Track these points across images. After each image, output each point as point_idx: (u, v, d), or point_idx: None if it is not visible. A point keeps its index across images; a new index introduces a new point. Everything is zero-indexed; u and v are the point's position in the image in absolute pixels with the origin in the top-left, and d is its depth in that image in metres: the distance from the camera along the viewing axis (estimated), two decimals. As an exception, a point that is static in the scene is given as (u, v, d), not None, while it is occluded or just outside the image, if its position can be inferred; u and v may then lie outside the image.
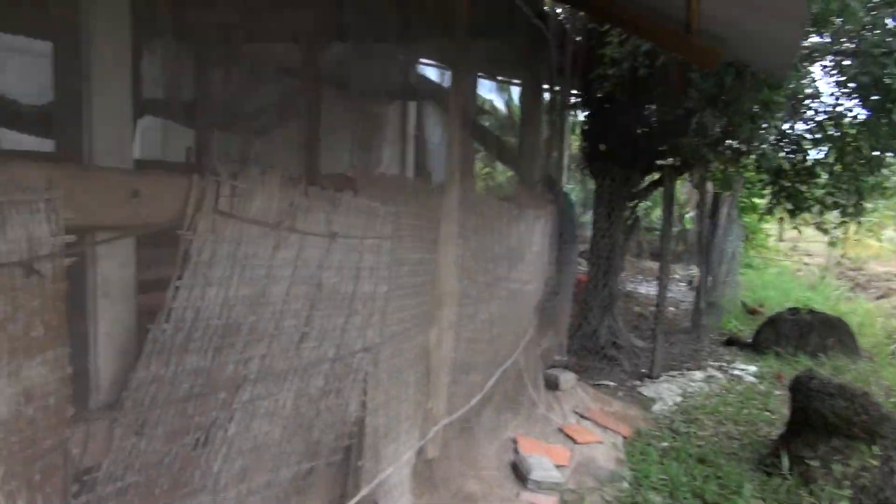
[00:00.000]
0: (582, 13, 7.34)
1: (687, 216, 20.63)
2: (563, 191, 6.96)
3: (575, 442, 5.07)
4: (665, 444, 5.55)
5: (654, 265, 18.31)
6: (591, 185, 11.30)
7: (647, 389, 7.14)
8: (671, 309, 13.26)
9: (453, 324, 4.22)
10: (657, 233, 19.00)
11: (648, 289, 15.43)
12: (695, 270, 18.32)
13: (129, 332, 2.10)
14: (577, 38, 7.80)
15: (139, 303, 2.18)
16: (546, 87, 5.72)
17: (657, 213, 19.07)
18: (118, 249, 2.04)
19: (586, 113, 8.49)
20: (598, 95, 7.73)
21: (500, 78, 5.83)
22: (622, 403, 6.47)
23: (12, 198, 1.65)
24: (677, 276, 18.77)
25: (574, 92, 8.09)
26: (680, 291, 15.98)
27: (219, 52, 6.51)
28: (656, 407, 6.52)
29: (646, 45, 6.76)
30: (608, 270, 8.56)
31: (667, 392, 7.06)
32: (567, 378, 6.08)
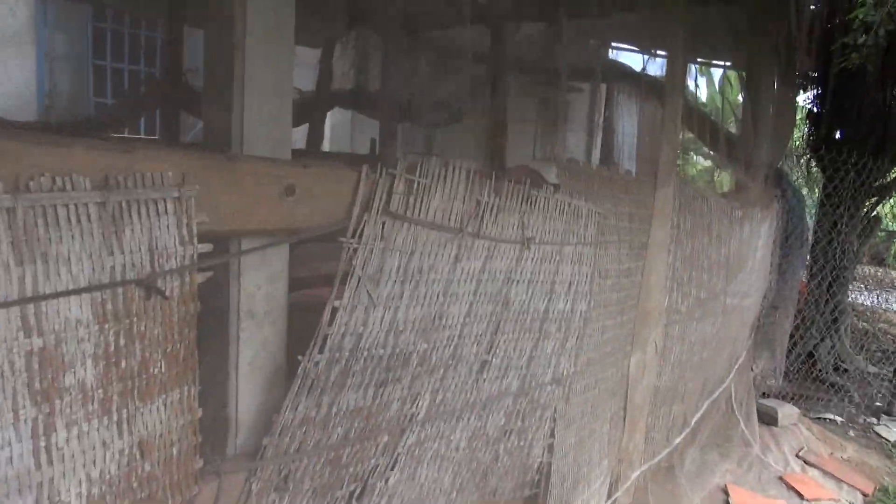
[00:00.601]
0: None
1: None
2: (793, 186, 5.83)
3: (801, 498, 4.12)
4: (921, 509, 4.39)
5: (876, 271, 15.76)
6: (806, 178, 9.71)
7: (888, 430, 5.83)
8: (905, 326, 11.19)
9: (659, 347, 3.50)
10: (880, 234, 16.35)
11: (872, 300, 13.20)
12: (930, 280, 15.52)
13: (278, 361, 1.70)
14: (812, 7, 6.53)
15: (291, 325, 1.77)
16: (778, 62, 4.73)
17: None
18: (267, 259, 1.64)
19: (815, 93, 7.15)
20: (837, 71, 6.41)
21: (720, 53, 4.92)
22: (856, 447, 5.29)
23: (132, 195, 1.27)
24: (907, 286, 16.08)
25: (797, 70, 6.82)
26: (913, 305, 13.49)
27: (405, 40, 6.23)
28: (903, 457, 5.27)
29: (914, 5, 5.39)
30: (836, 280, 7.20)
31: (914, 437, 5.72)
32: (787, 412, 5.06)
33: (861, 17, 5.75)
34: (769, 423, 4.98)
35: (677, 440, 3.74)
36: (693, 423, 3.97)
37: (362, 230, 1.73)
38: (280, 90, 1.64)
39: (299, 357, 1.63)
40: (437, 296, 1.98)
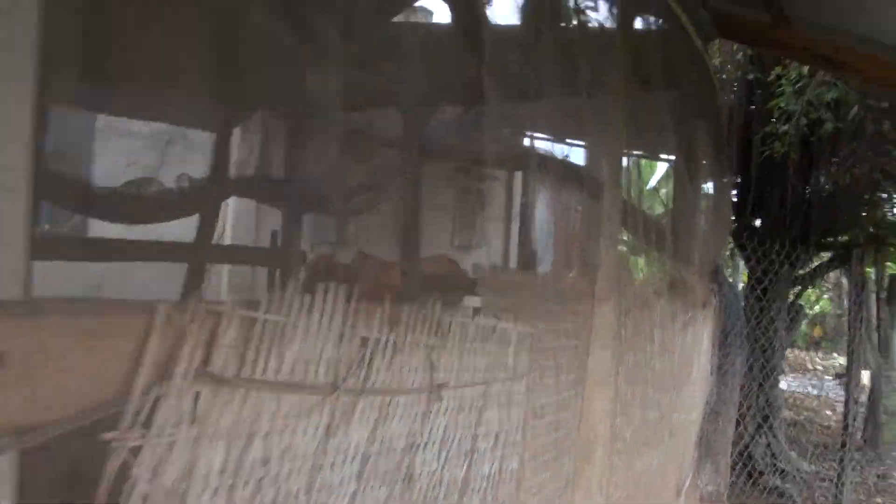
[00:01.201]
0: (750, 53, 6.02)
1: (823, 298, 18.36)
2: (728, 280, 5.50)
3: None
4: None
5: (791, 354, 15.99)
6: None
7: (839, 546, 5.34)
8: (827, 413, 11.08)
9: (603, 486, 2.86)
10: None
11: (789, 384, 13.17)
12: (838, 360, 15.87)
13: None
14: (731, 96, 6.49)
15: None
16: (712, 151, 4.46)
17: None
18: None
19: (737, 182, 7.04)
20: (759, 160, 6.29)
21: (658, 141, 4.63)
22: (814, 572, 4.75)
23: None
24: (819, 368, 16.40)
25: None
26: (827, 387, 13.53)
27: (312, 124, 5.68)
28: (863, 580, 4.75)
29: (831, 93, 5.33)
30: (765, 373, 6.89)
31: (868, 551, 5.25)
32: (740, 537, 4.47)
33: (782, 105, 5.66)
34: (722, 552, 4.38)
35: None
36: (645, 574, 3.29)
37: (152, 413, 1.02)
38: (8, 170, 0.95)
39: None
40: (296, 496, 1.27)
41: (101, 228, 5.12)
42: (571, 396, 2.51)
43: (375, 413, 1.46)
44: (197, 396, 1.08)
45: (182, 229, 5.03)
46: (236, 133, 5.88)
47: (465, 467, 1.78)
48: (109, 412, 0.98)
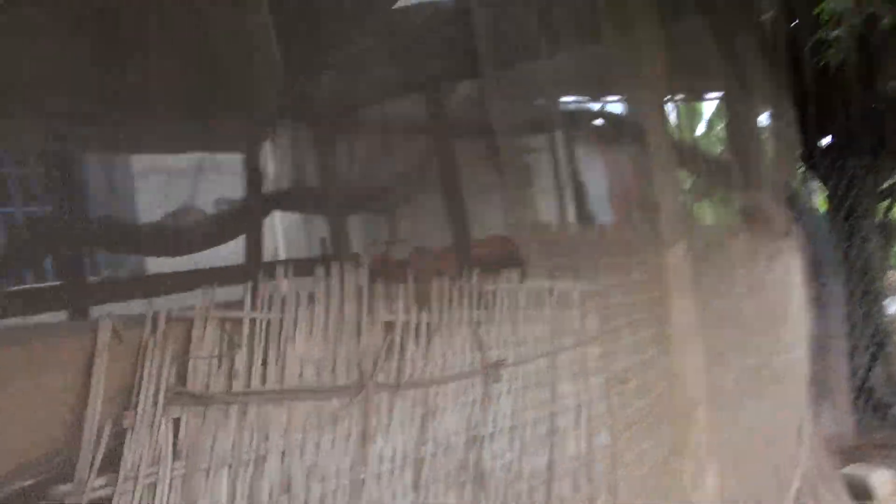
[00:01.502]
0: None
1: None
2: (808, 206, 5.02)
3: None
4: None
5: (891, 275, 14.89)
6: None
7: None
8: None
9: (713, 447, 2.54)
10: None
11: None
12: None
13: None
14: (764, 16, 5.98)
15: None
16: (758, 69, 4.04)
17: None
18: None
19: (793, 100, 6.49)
20: (816, 72, 5.75)
21: (697, 68, 4.18)
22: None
23: None
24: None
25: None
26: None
27: (336, 124, 5.53)
28: None
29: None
30: (869, 298, 6.29)
31: None
32: (880, 478, 4.02)
33: (831, 6, 5.14)
34: (862, 499, 3.93)
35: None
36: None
37: (117, 452, 0.80)
38: None
39: None
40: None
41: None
42: (656, 354, 2.21)
43: (420, 409, 1.22)
44: (176, 424, 0.87)
45: (233, 251, 4.98)
46: (267, 148, 5.78)
47: (548, 450, 1.52)
48: (62, 461, 0.78)
